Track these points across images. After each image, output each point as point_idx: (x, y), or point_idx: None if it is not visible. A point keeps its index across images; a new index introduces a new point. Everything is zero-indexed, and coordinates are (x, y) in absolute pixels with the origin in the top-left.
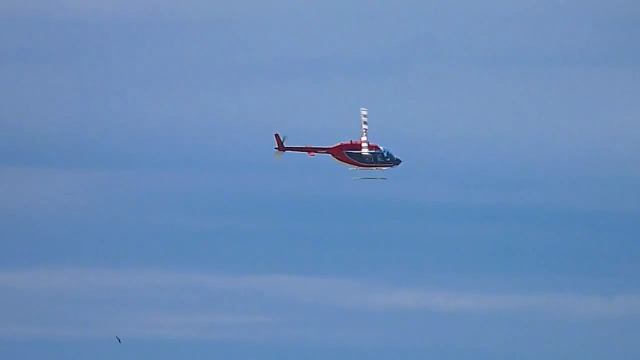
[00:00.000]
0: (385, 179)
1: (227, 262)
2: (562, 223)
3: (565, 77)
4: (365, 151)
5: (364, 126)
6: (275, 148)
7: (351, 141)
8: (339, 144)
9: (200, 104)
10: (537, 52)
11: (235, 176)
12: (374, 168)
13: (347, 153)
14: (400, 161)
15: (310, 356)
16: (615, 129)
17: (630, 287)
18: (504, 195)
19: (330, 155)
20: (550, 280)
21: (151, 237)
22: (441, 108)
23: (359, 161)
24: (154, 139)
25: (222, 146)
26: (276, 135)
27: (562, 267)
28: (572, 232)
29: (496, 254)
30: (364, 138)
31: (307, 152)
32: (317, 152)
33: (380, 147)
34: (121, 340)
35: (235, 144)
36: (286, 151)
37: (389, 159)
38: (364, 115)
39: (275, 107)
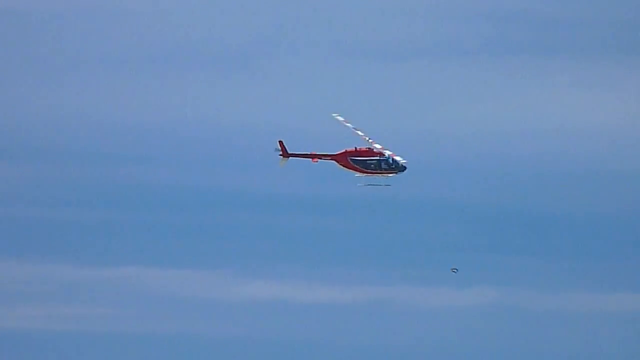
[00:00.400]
0: (389, 185)
1: (83, 254)
2: (411, 215)
3: (419, 70)
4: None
5: (357, 131)
6: (280, 154)
7: (356, 148)
8: (343, 150)
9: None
10: (391, 44)
11: (88, 167)
12: (379, 175)
13: (351, 160)
14: (405, 168)
15: (170, 347)
16: (459, 121)
17: (481, 278)
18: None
19: (334, 162)
20: (401, 272)
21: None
22: (299, 99)
23: (363, 168)
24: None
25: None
26: (280, 141)
27: (412, 258)
28: (421, 225)
29: (349, 247)
30: (376, 145)
31: (311, 159)
32: (321, 158)
33: (385, 154)
34: None
35: (88, 135)
36: (290, 157)
37: (393, 166)
38: (343, 120)
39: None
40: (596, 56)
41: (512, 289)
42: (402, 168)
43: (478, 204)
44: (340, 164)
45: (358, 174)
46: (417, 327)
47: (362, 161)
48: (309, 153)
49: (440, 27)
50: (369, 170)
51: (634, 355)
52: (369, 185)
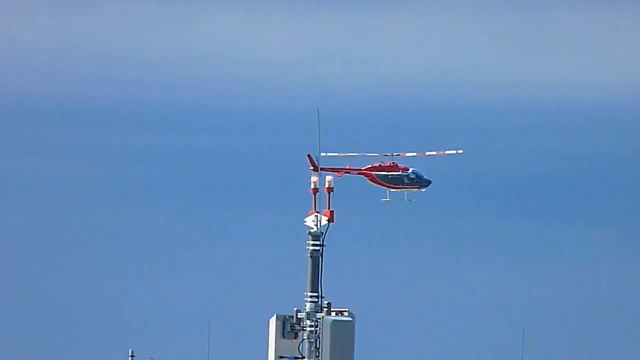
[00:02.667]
0: (412, 200)
1: None
2: None
3: None
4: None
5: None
6: (311, 168)
7: (380, 163)
8: (370, 165)
9: None
10: None
11: None
12: (404, 189)
13: (376, 175)
14: (430, 182)
15: None
16: None
17: None
18: None
19: (363, 176)
20: None
21: None
22: None
23: (385, 182)
24: None
25: None
26: (308, 155)
27: None
28: None
29: None
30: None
31: (337, 173)
32: (350, 173)
33: (409, 169)
34: None
35: None
36: (320, 171)
37: (416, 181)
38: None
39: None
40: None
41: None
42: (427, 182)
43: None
44: (368, 179)
45: (393, 190)
46: None
47: (384, 176)
48: (339, 168)
49: None
50: (392, 185)
51: None
52: (388, 200)
